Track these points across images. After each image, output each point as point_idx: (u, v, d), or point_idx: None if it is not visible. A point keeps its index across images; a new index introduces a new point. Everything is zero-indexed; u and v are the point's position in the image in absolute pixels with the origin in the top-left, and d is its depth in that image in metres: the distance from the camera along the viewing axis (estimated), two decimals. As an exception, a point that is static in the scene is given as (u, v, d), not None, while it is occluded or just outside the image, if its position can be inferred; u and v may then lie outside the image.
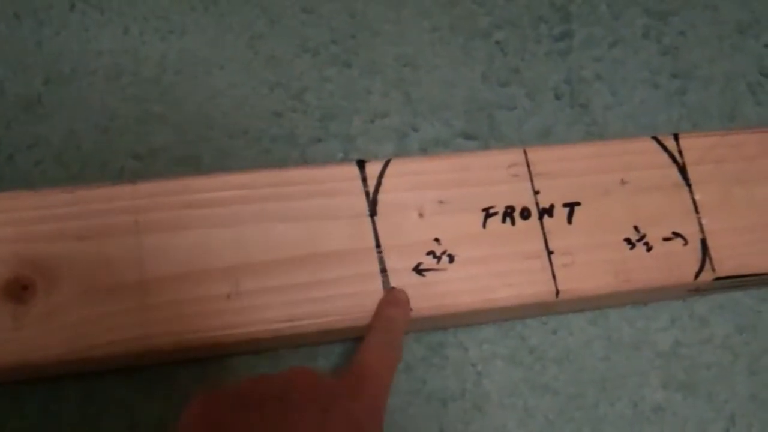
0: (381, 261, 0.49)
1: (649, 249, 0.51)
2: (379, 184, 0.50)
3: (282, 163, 0.54)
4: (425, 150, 0.56)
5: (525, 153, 0.52)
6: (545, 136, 0.58)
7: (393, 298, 0.47)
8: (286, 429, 0.36)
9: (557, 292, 0.49)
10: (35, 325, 0.45)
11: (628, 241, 0.51)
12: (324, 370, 0.40)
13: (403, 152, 0.55)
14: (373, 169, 0.50)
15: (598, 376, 0.52)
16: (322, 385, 0.39)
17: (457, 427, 0.50)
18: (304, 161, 0.54)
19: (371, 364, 0.42)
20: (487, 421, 0.50)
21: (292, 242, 0.48)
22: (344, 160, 0.55)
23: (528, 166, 0.52)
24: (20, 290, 0.45)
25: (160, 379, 0.48)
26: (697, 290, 0.54)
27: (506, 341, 0.52)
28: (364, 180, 0.50)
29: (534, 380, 0.52)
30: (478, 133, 0.57)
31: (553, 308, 0.52)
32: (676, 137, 0.54)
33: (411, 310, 0.47)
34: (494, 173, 0.51)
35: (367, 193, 0.50)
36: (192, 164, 0.53)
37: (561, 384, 0.52)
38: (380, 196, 0.50)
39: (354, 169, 0.50)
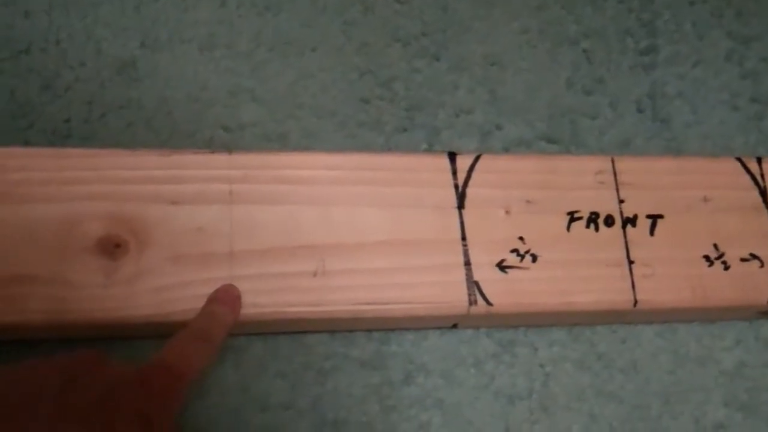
0: (465, 254, 0.49)
1: (726, 268, 0.52)
2: (468, 177, 0.50)
3: (367, 149, 0.54)
4: (507, 149, 0.56)
5: (612, 161, 0.52)
6: (624, 147, 0.58)
7: (218, 295, 0.45)
8: (63, 404, 0.34)
9: (635, 302, 0.50)
10: (125, 284, 0.45)
11: (707, 258, 0.52)
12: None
13: (485, 149, 0.56)
14: (463, 162, 0.51)
15: (663, 389, 0.53)
16: (109, 369, 0.37)
17: (522, 426, 0.50)
18: (389, 149, 0.55)
19: (171, 359, 0.40)
20: (553, 422, 0.51)
21: (380, 227, 0.49)
22: (428, 151, 0.55)
23: (615, 174, 0.52)
24: (113, 248, 0.45)
25: (233, 349, 0.49)
26: (766, 313, 0.54)
27: (576, 345, 0.53)
28: (455, 173, 0.50)
29: (600, 387, 0.52)
30: (560, 138, 0.57)
31: (627, 317, 0.52)
32: (759, 161, 0.55)
33: (240, 308, 0.45)
34: (581, 178, 0.52)
35: (456, 186, 0.50)
36: (279, 141, 0.54)
37: (626, 393, 0.52)
38: (469, 190, 0.50)
39: (445, 161, 0.51)
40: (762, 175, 0.54)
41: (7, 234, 0.44)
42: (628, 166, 0.53)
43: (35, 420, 0.33)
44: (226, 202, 0.47)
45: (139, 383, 0.37)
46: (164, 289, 0.45)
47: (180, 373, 0.39)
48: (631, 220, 0.51)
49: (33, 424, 0.33)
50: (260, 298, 0.46)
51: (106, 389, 0.36)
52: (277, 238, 0.47)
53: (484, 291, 0.48)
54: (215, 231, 0.47)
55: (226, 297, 0.45)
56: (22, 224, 0.45)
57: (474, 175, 0.51)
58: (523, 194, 0.51)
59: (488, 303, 0.48)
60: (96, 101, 0.52)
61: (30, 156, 0.46)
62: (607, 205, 0.51)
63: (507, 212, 0.50)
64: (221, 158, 0.48)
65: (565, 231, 0.50)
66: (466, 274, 0.48)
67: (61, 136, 0.51)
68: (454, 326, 0.51)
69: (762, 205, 0.54)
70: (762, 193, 0.54)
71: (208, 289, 0.45)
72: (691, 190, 0.53)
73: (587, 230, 0.51)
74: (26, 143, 0.50)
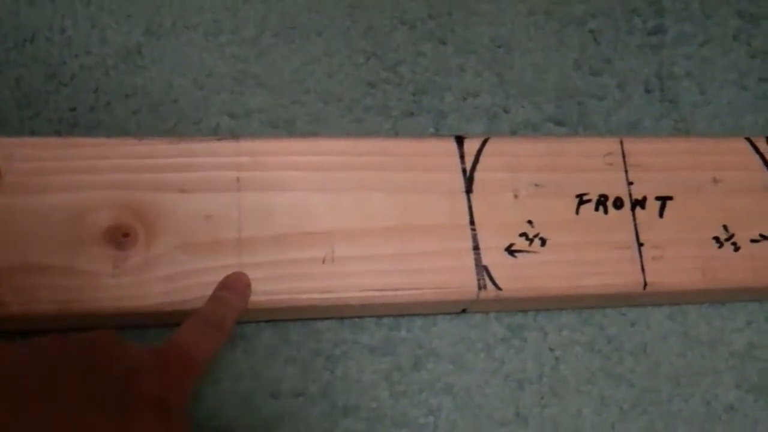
0: (474, 238, 0.49)
1: (736, 249, 0.52)
2: (476, 161, 0.50)
3: (373, 134, 0.54)
4: (515, 132, 0.56)
5: (621, 143, 0.52)
6: (633, 128, 0.58)
7: (229, 281, 0.45)
8: (84, 389, 0.34)
9: (645, 285, 0.50)
10: (134, 274, 0.45)
11: (716, 239, 0.52)
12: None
13: (493, 132, 0.55)
14: (471, 146, 0.51)
15: (674, 372, 0.53)
16: (127, 353, 0.37)
17: (533, 410, 0.50)
18: (395, 133, 0.54)
19: (183, 344, 0.39)
20: (563, 406, 0.51)
21: (388, 212, 0.48)
22: (434, 135, 0.55)
23: (623, 156, 0.52)
24: (121, 237, 0.45)
25: (244, 336, 0.49)
26: (777, 294, 0.54)
27: (585, 329, 0.52)
28: (462, 157, 0.50)
29: (611, 370, 0.52)
30: (568, 120, 0.57)
31: (637, 300, 0.52)
32: (768, 140, 0.54)
33: (249, 295, 0.45)
34: (590, 161, 0.52)
35: (464, 170, 0.50)
36: (285, 128, 0.53)
37: (637, 376, 0.52)
38: (477, 174, 0.50)
39: (452, 145, 0.50)
40: (772, 155, 0.54)
41: (15, 224, 0.44)
42: (636, 147, 0.52)
43: (57, 404, 0.33)
44: (234, 190, 0.47)
45: (157, 368, 0.37)
46: (173, 277, 0.45)
47: (194, 357, 0.39)
48: (640, 202, 0.51)
49: (55, 407, 0.33)
50: (269, 285, 0.46)
51: (126, 375, 0.35)
52: (285, 224, 0.47)
53: (493, 275, 0.48)
54: (224, 218, 0.47)
55: (237, 284, 0.45)
56: (31, 214, 0.45)
57: (482, 158, 0.50)
58: (532, 177, 0.50)
59: (497, 287, 0.48)
60: (101, 89, 0.52)
61: (38, 146, 0.46)
62: (615, 188, 0.51)
63: (515, 196, 0.50)
64: (229, 145, 0.48)
65: (574, 214, 0.50)
66: (475, 259, 0.48)
67: (68, 125, 0.51)
68: (464, 311, 0.51)
69: (772, 185, 0.53)
70: (772, 173, 0.54)
71: (218, 277, 0.45)
72: (700, 171, 0.53)
73: (596, 213, 0.51)
74: (32, 133, 0.50)
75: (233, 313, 0.44)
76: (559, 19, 0.59)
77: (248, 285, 0.45)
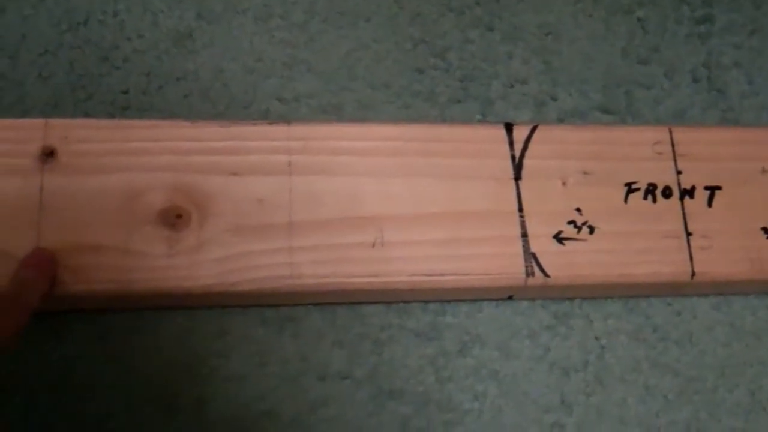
0: (522, 225, 0.49)
1: (785, 240, 0.51)
2: (525, 148, 0.50)
3: (421, 120, 0.54)
4: (562, 120, 0.56)
5: (670, 132, 0.52)
6: (680, 117, 0.57)
7: (26, 259, 0.43)
8: None
9: (693, 274, 0.49)
10: (187, 255, 0.45)
11: (765, 230, 0.51)
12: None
13: (540, 120, 0.55)
14: (520, 133, 0.51)
15: (719, 362, 0.52)
16: None
17: (578, 397, 0.50)
18: (443, 120, 0.55)
19: None
20: (608, 394, 0.51)
21: (437, 198, 0.49)
22: (483, 122, 0.55)
23: (672, 145, 0.52)
24: (175, 218, 0.46)
25: (292, 319, 0.49)
26: (825, 286, 0.53)
27: (631, 318, 0.52)
28: (511, 143, 0.50)
29: (656, 359, 0.52)
30: (615, 108, 0.57)
31: (684, 289, 0.52)
32: (818, 131, 0.54)
33: (53, 269, 0.43)
34: (639, 149, 0.51)
35: (513, 157, 0.50)
36: (334, 113, 0.54)
37: (682, 366, 0.52)
38: (525, 161, 0.50)
39: (501, 132, 0.51)
40: (822, 147, 0.54)
41: (71, 204, 0.45)
42: (686, 136, 0.52)
43: None
44: (285, 173, 0.48)
45: None
46: (225, 259, 0.46)
47: None
48: (688, 192, 0.51)
49: None
50: (319, 269, 0.46)
51: None
52: (335, 209, 0.48)
53: (541, 262, 0.48)
54: (275, 202, 0.47)
55: (33, 261, 0.43)
56: (86, 194, 0.45)
57: (531, 146, 0.50)
58: (580, 165, 0.50)
59: (545, 275, 0.48)
60: (154, 73, 0.53)
61: (92, 127, 0.47)
62: (664, 177, 0.51)
63: (564, 183, 0.50)
64: (280, 129, 0.48)
65: (623, 202, 0.50)
66: (523, 246, 0.48)
67: (120, 108, 0.52)
68: (510, 298, 0.51)
69: (822, 176, 0.53)
70: (822, 164, 0.53)
71: (268, 260, 0.46)
72: (749, 162, 0.52)
73: (644, 202, 0.50)
74: (86, 115, 0.51)
75: (33, 291, 0.42)
76: (607, 6, 0.59)
77: (48, 260, 0.43)
